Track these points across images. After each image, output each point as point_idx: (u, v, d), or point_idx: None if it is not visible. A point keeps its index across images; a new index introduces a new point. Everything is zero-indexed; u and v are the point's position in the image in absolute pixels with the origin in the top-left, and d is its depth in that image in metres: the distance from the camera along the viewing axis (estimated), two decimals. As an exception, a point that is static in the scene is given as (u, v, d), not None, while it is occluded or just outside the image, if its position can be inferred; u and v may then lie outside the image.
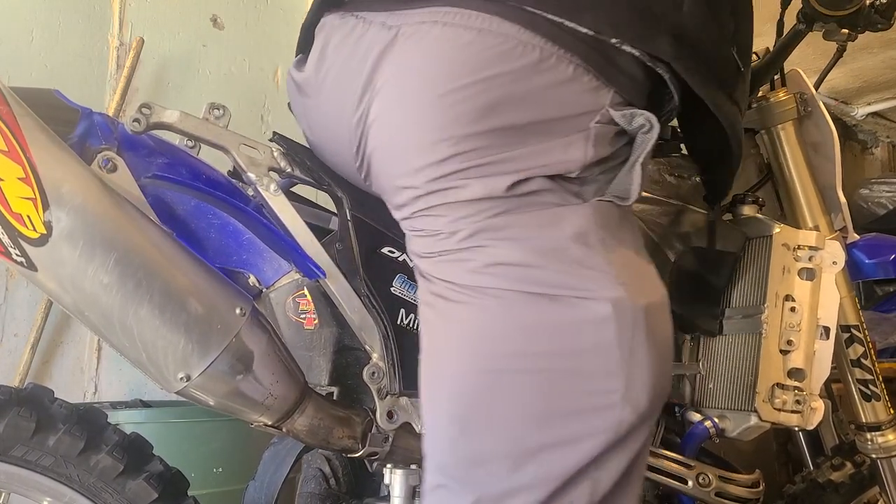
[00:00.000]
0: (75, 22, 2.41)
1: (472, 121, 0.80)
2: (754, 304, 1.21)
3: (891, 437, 1.30)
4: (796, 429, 1.19)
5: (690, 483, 1.20)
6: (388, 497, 1.12)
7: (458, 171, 0.81)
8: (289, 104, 1.08)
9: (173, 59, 2.59)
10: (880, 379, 1.31)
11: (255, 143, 1.01)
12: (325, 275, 1.00)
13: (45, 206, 0.84)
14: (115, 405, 2.20)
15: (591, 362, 0.80)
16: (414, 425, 1.03)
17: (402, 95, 0.84)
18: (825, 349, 1.19)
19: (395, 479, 1.11)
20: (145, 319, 0.88)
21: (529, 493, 0.79)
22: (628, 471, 0.83)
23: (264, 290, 1.04)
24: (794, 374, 1.17)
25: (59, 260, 0.85)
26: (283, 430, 0.99)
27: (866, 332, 1.30)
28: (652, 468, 1.20)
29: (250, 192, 1.04)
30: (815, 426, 1.19)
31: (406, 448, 1.06)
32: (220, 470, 1.99)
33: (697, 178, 1.24)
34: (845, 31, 1.25)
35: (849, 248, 1.33)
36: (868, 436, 1.31)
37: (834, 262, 1.20)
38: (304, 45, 1.01)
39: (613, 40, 0.82)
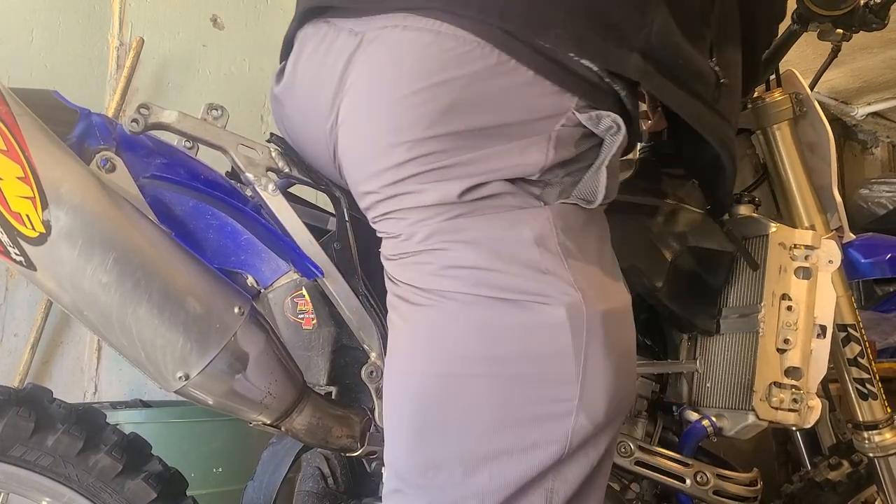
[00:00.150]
0: (75, 22, 2.41)
1: (430, 124, 0.79)
2: (751, 303, 1.22)
3: (888, 435, 1.30)
4: (793, 428, 1.20)
5: (688, 482, 1.21)
6: (386, 496, 1.13)
7: (415, 176, 0.80)
8: None
9: (173, 59, 2.60)
10: (877, 378, 1.31)
11: (253, 143, 1.01)
12: (323, 274, 1.00)
13: (44, 206, 0.84)
14: (115, 405, 2.21)
15: (547, 369, 0.79)
16: (412, 424, 1.04)
17: (364, 99, 0.84)
18: (822, 348, 1.19)
19: (392, 478, 1.11)
20: (144, 319, 0.88)
21: (481, 501, 0.78)
22: (588, 481, 0.81)
23: (262, 290, 1.04)
24: (791, 372, 1.17)
25: (58, 259, 0.85)
26: (282, 429, 0.99)
27: (863, 331, 1.31)
28: (650, 467, 1.21)
29: (248, 192, 1.04)
30: (812, 425, 1.19)
31: (404, 447, 1.07)
32: (220, 470, 1.99)
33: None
34: (840, 31, 1.26)
35: (845, 248, 1.33)
36: (865, 435, 1.32)
37: (830, 261, 1.20)
38: (286, 55, 1.01)
39: (571, 54, 0.81)
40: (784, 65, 1.33)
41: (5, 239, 0.84)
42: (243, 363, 0.93)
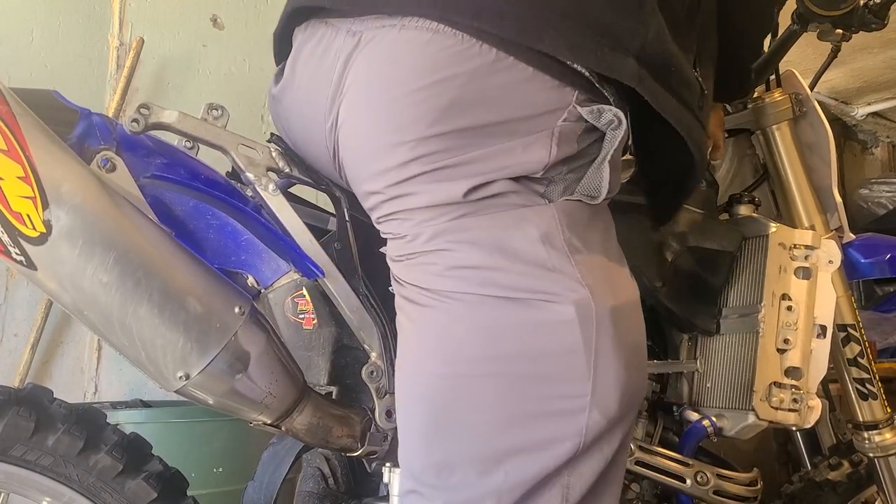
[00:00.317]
0: (75, 22, 2.41)
1: (431, 122, 0.79)
2: (751, 303, 1.22)
3: (888, 435, 1.31)
4: (794, 428, 1.20)
5: (689, 482, 1.21)
6: (386, 496, 1.13)
7: (419, 175, 0.80)
8: None
9: (173, 59, 2.60)
10: (877, 378, 1.31)
11: (253, 143, 1.01)
12: (323, 274, 1.00)
13: (45, 206, 0.84)
14: (115, 405, 2.21)
15: (557, 366, 0.79)
16: (412, 424, 1.04)
17: (365, 99, 0.84)
18: (822, 348, 1.19)
19: (393, 478, 1.11)
20: (144, 318, 0.88)
21: (498, 499, 0.79)
22: (603, 476, 0.82)
23: (263, 290, 1.04)
24: (792, 372, 1.18)
25: (58, 259, 0.85)
26: (283, 428, 0.99)
27: (863, 331, 1.31)
28: (650, 467, 1.21)
29: (249, 192, 1.04)
30: (812, 425, 1.19)
31: (404, 447, 1.07)
32: (220, 470, 1.99)
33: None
34: (840, 31, 1.26)
35: (845, 248, 1.34)
36: (865, 435, 1.32)
37: (830, 262, 1.21)
38: (280, 56, 1.00)
39: (565, 59, 0.81)
40: (784, 65, 1.34)
41: (6, 238, 0.84)
42: (244, 363, 0.93)
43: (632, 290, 0.87)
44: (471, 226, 0.81)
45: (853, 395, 1.31)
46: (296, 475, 1.38)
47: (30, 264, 0.85)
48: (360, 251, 1.02)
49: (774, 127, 1.31)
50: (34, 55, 2.32)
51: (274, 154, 1.03)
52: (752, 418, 1.17)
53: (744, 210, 1.28)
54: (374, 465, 1.22)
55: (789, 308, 1.19)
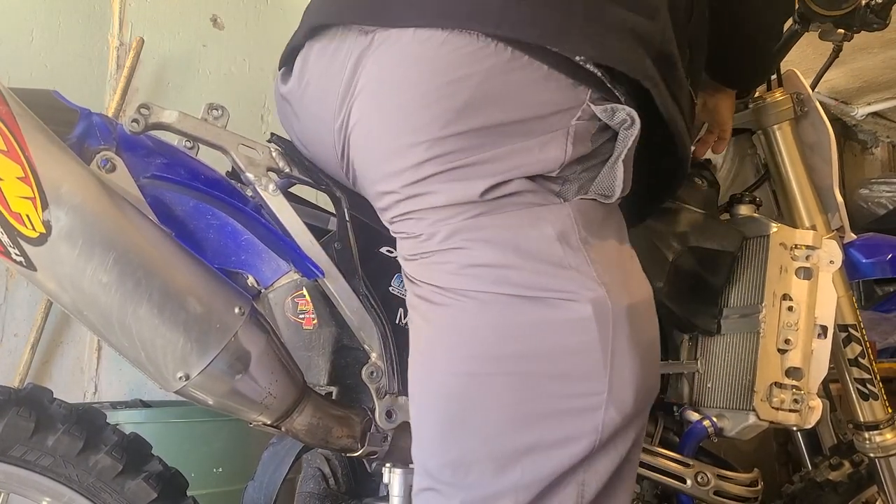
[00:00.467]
0: (75, 22, 2.41)
1: (447, 122, 0.80)
2: (752, 303, 1.21)
3: (889, 436, 1.30)
4: (794, 428, 1.20)
5: (689, 482, 1.21)
6: (387, 497, 1.13)
7: (435, 175, 0.81)
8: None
9: (173, 59, 2.60)
10: (878, 378, 1.31)
11: (253, 143, 1.01)
12: (323, 274, 1.00)
13: (45, 206, 0.84)
14: (115, 405, 2.21)
15: (573, 364, 0.80)
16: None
17: (379, 99, 0.84)
18: (823, 348, 1.19)
19: (394, 479, 1.11)
20: (144, 319, 0.88)
21: (515, 496, 0.79)
22: (618, 473, 0.82)
23: (263, 290, 1.04)
24: (792, 373, 1.17)
25: (58, 259, 0.85)
26: (283, 429, 0.99)
27: (864, 331, 1.31)
28: (650, 467, 1.21)
29: (249, 192, 1.04)
30: (813, 425, 1.19)
31: (405, 447, 1.06)
32: (220, 470, 1.99)
33: (697, 180, 1.25)
34: (841, 31, 1.25)
35: (846, 248, 1.34)
36: (866, 435, 1.32)
37: (831, 262, 1.20)
38: (288, 60, 1.00)
39: (580, 58, 0.81)
40: (784, 65, 1.34)
41: (5, 239, 0.84)
42: (244, 363, 0.93)
43: (646, 289, 0.88)
44: (487, 224, 0.81)
45: (854, 396, 1.31)
46: (296, 475, 1.38)
47: (29, 265, 0.85)
48: (360, 251, 1.02)
49: (776, 127, 1.31)
50: (34, 55, 2.32)
51: (274, 154, 1.03)
52: (752, 418, 1.17)
53: (745, 210, 1.28)
54: (374, 465, 1.22)
55: (790, 308, 1.19)
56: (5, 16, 2.28)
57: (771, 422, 1.17)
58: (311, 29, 0.94)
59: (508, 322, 0.80)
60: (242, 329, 0.93)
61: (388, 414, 1.02)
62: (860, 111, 4.54)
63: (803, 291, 1.19)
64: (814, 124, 1.31)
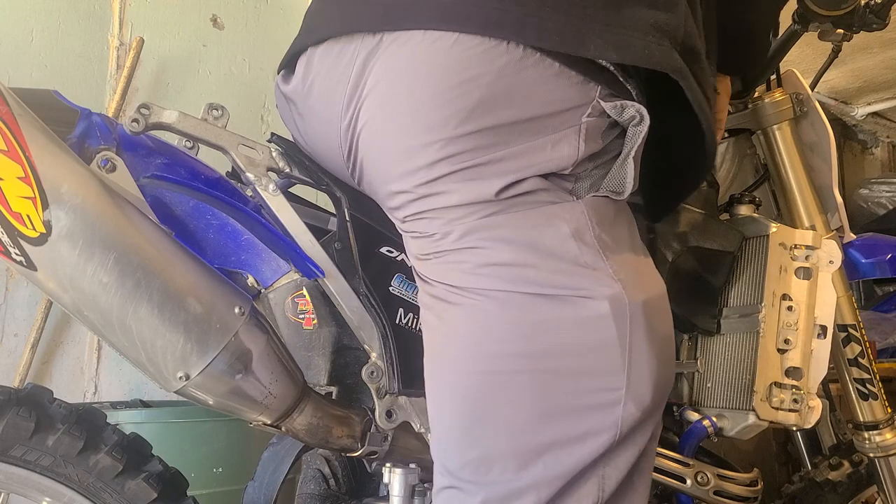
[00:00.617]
0: (75, 22, 2.41)
1: (461, 121, 0.80)
2: (752, 303, 1.22)
3: (888, 436, 1.31)
4: (794, 428, 1.20)
5: (689, 482, 1.21)
6: (387, 497, 1.13)
7: (449, 174, 0.81)
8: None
9: (173, 59, 2.60)
10: (878, 378, 1.31)
11: (253, 143, 1.01)
12: (323, 274, 1.00)
13: (45, 206, 0.84)
14: (115, 405, 2.21)
15: (592, 360, 0.80)
16: (413, 424, 1.04)
17: (391, 99, 0.84)
18: (822, 348, 1.19)
19: (394, 478, 1.11)
20: (144, 319, 0.88)
21: (538, 492, 0.80)
22: (636, 466, 0.83)
23: (263, 290, 1.04)
24: (792, 372, 1.17)
25: (58, 259, 0.85)
26: (283, 429, 0.99)
27: (863, 331, 1.31)
28: (650, 467, 1.21)
29: (249, 192, 1.04)
30: (812, 425, 1.19)
31: (405, 447, 1.07)
32: (220, 470, 1.99)
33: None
34: (840, 31, 1.25)
35: (846, 248, 1.34)
36: (866, 435, 1.32)
37: (831, 262, 1.21)
38: (290, 63, 1.00)
39: (605, 62, 0.81)
40: (784, 65, 1.33)
41: (6, 239, 0.84)
42: (244, 363, 0.93)
43: (660, 284, 0.88)
44: (502, 223, 0.81)
45: (853, 396, 1.31)
46: (296, 475, 1.38)
47: (30, 265, 0.85)
48: (360, 251, 1.02)
49: (775, 127, 1.31)
50: (34, 55, 2.32)
51: (274, 154, 1.03)
52: (752, 418, 1.17)
53: (744, 210, 1.28)
54: (374, 465, 1.22)
55: (790, 308, 1.19)
56: (5, 16, 2.28)
57: (770, 422, 1.17)
58: (316, 38, 0.93)
59: (527, 320, 0.81)
60: (242, 329, 0.93)
61: (388, 414, 1.02)
62: (860, 111, 4.54)
63: (803, 291, 1.19)
64: (813, 124, 1.31)
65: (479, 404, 0.82)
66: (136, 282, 0.87)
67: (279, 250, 1.02)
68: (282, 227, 1.01)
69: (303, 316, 1.06)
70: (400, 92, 0.83)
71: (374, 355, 1.02)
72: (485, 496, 0.81)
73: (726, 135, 1.37)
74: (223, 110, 1.01)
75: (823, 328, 1.19)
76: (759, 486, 1.24)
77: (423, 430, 1.04)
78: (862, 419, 1.32)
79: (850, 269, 1.35)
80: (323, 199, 1.08)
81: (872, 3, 1.22)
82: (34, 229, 0.84)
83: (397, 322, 1.03)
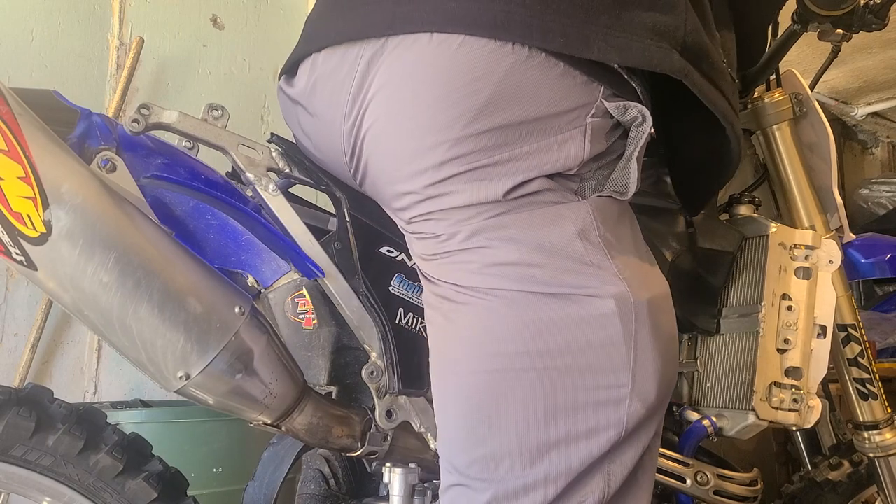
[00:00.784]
0: (75, 22, 2.41)
1: (470, 121, 0.80)
2: (751, 303, 1.22)
3: (888, 435, 1.31)
4: (794, 428, 1.20)
5: (689, 482, 1.21)
6: (387, 497, 1.13)
7: (456, 175, 0.81)
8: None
9: (173, 59, 2.60)
10: (877, 378, 1.31)
11: (253, 143, 1.02)
12: (323, 274, 1.00)
13: (45, 206, 0.84)
14: (115, 405, 2.21)
15: (598, 358, 0.81)
16: (413, 424, 1.04)
17: (397, 101, 0.84)
18: (822, 348, 1.19)
19: (394, 478, 1.12)
20: (144, 318, 0.88)
21: (544, 489, 0.80)
22: (640, 463, 0.84)
23: (263, 290, 1.04)
24: (792, 372, 1.18)
25: (58, 259, 0.85)
26: (283, 428, 0.99)
27: (863, 331, 1.31)
28: (650, 467, 1.21)
29: (249, 192, 1.04)
30: (812, 425, 1.19)
31: (405, 447, 1.07)
32: (220, 470, 1.99)
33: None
34: (840, 31, 1.25)
35: (845, 248, 1.34)
36: (865, 435, 1.32)
37: (830, 262, 1.21)
38: (292, 68, 1.00)
39: (615, 64, 0.82)
40: (784, 65, 1.33)
41: (6, 238, 0.84)
42: (244, 363, 0.93)
43: (663, 283, 0.89)
44: (509, 223, 0.82)
45: (853, 395, 1.31)
46: (296, 475, 1.38)
47: (30, 264, 0.85)
48: (360, 251, 1.02)
49: (775, 127, 1.31)
50: (34, 55, 2.32)
51: (274, 154, 1.03)
52: (752, 418, 1.17)
53: (744, 210, 1.28)
54: (374, 465, 1.22)
55: (789, 308, 1.19)
56: (5, 16, 2.28)
57: (770, 421, 1.17)
58: (318, 46, 0.93)
59: (534, 319, 0.81)
60: (243, 329, 0.93)
61: (388, 413, 1.03)
62: (860, 111, 4.54)
63: (802, 291, 1.19)
64: (813, 124, 1.32)
65: (487, 402, 0.83)
66: (136, 281, 0.88)
67: (279, 250, 1.02)
68: (282, 227, 1.01)
69: (303, 316, 1.06)
70: (407, 94, 0.83)
71: (373, 355, 1.03)
72: (493, 493, 0.82)
73: None
74: (223, 110, 1.01)
75: (823, 328, 1.20)
76: (759, 486, 1.24)
77: (423, 430, 1.04)
78: (862, 419, 1.32)
79: (849, 269, 1.35)
80: (323, 199, 1.08)
81: (872, 3, 1.22)
82: (34, 229, 0.84)
83: (397, 322, 1.03)
